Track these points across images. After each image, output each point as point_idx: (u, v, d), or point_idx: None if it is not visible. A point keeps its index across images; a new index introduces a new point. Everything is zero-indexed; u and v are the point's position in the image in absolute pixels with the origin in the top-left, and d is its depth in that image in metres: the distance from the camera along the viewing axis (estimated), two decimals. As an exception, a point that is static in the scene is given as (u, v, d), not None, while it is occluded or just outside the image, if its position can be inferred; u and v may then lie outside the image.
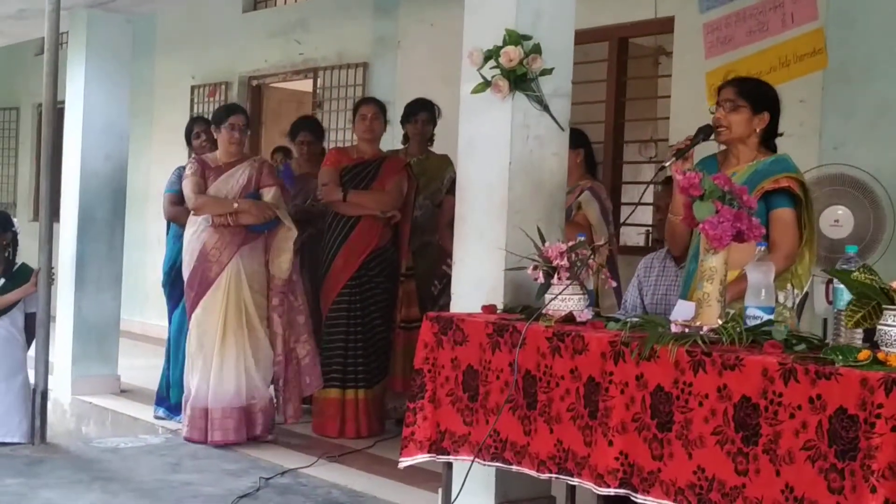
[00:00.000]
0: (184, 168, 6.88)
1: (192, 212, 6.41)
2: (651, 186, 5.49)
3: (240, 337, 6.31)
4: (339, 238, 6.69)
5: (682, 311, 3.73)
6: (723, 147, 4.30)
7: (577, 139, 5.79)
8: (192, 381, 6.30)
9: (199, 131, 7.22)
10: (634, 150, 8.12)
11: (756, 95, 4.23)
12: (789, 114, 5.94)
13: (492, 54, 4.61)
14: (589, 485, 3.64)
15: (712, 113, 4.25)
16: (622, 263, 6.24)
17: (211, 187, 6.35)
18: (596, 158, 6.57)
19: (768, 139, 4.28)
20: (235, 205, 6.33)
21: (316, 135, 7.57)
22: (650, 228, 7.67)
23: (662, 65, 8.02)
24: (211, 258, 6.31)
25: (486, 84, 4.65)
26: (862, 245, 5.32)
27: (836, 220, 5.37)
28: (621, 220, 7.01)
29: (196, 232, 6.38)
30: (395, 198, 6.71)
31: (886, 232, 5.32)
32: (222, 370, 6.26)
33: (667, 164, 4.11)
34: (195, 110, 11.11)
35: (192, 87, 11.51)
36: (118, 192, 8.14)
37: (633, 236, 8.18)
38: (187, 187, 6.37)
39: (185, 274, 6.41)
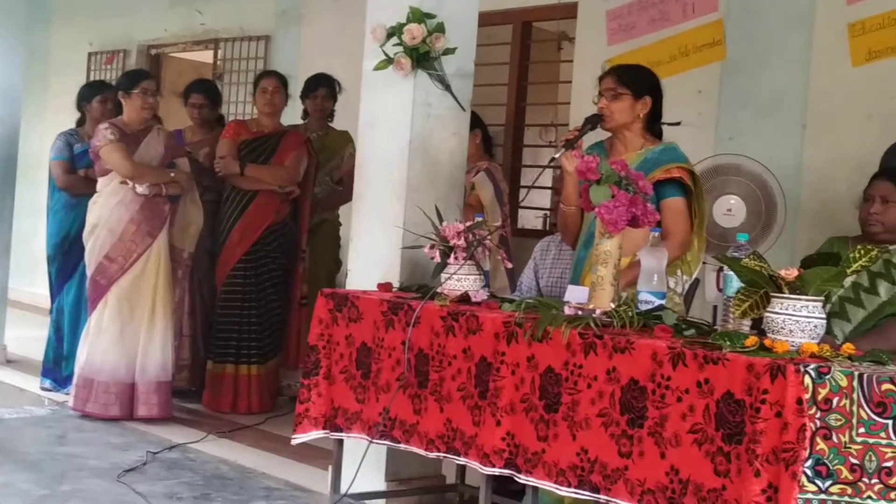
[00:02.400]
0: (70, 134, 6.73)
1: (109, 179, 6.20)
2: (549, 171, 5.53)
3: (168, 311, 6.23)
4: (236, 212, 6.63)
5: (575, 295, 3.76)
6: (609, 134, 4.36)
7: (474, 120, 5.82)
8: (108, 354, 6.13)
9: (104, 97, 7.04)
10: (535, 134, 8.16)
11: (636, 82, 4.29)
12: (687, 103, 6.08)
13: (395, 31, 4.59)
14: (475, 464, 3.65)
15: (595, 103, 4.30)
16: (522, 246, 6.28)
17: (133, 155, 6.19)
18: (495, 141, 6.61)
19: (652, 124, 4.33)
20: (171, 173, 6.22)
21: (211, 99, 7.24)
22: (548, 212, 7.72)
23: (565, 50, 8.05)
24: (143, 229, 6.17)
25: (389, 61, 4.63)
26: (753, 234, 5.42)
27: (729, 209, 5.45)
28: (519, 203, 7.06)
29: (122, 202, 6.17)
30: (294, 173, 6.66)
31: (778, 222, 5.41)
32: (150, 345, 6.16)
33: (556, 155, 4.15)
34: (92, 77, 10.87)
35: (90, 55, 11.27)
36: (9, 158, 7.91)
37: (531, 219, 8.22)
38: (117, 154, 6.12)
39: (101, 245, 6.21)
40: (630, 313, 3.44)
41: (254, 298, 6.63)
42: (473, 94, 4.89)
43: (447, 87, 4.69)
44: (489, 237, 4.08)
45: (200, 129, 7.14)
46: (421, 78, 4.64)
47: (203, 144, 6.96)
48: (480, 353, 3.70)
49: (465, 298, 3.99)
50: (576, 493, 3.36)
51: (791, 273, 3.08)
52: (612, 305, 3.52)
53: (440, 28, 4.58)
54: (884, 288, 3.83)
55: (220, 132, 6.92)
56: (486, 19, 5.38)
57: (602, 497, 3.27)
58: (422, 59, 4.58)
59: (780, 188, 5.44)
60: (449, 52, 4.62)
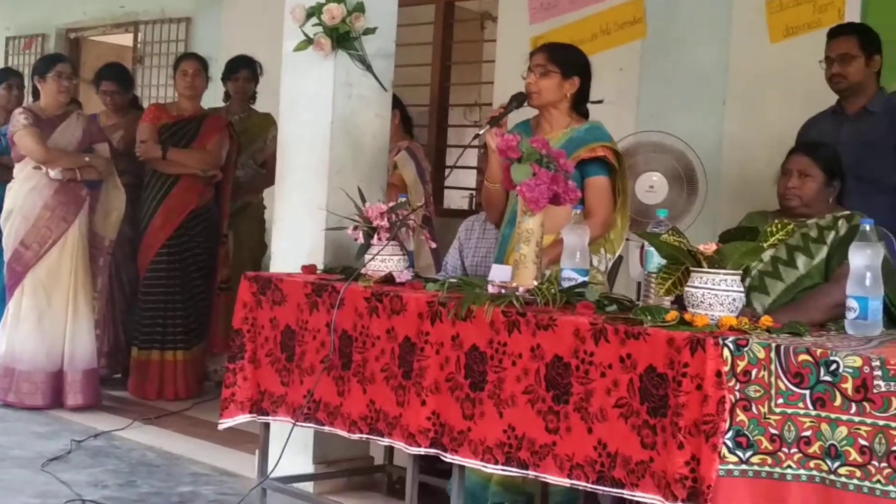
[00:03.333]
0: None
1: (24, 165, 6.10)
2: (474, 151, 5.53)
3: (90, 298, 6.14)
4: (158, 197, 6.57)
5: (498, 273, 3.76)
6: (536, 112, 4.36)
7: (393, 101, 5.81)
8: (27, 343, 6.03)
9: (8, 84, 6.91)
10: (459, 114, 8.16)
11: (566, 61, 4.30)
12: (609, 81, 6.10)
13: (314, 11, 4.55)
14: (400, 444, 3.65)
15: (524, 78, 4.30)
16: (447, 226, 6.28)
17: (48, 140, 6.09)
18: (419, 121, 6.61)
19: (579, 104, 4.34)
20: (87, 158, 6.12)
21: (121, 84, 7.09)
22: (473, 192, 7.73)
23: (488, 29, 8.06)
24: (57, 215, 6.06)
25: (309, 42, 4.60)
26: (676, 210, 5.46)
27: (652, 186, 5.49)
28: (444, 183, 7.05)
29: (35, 187, 6.08)
30: (216, 157, 6.60)
31: (699, 197, 5.46)
32: (76, 333, 6.07)
33: (481, 132, 4.15)
34: (10, 63, 10.68)
35: (7, 39, 11.07)
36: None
37: (456, 199, 8.23)
38: (31, 138, 6.02)
39: (16, 231, 6.10)
40: (553, 291, 3.45)
41: (178, 284, 6.58)
42: (397, 74, 4.87)
43: (368, 68, 4.67)
44: (412, 217, 4.07)
45: (115, 113, 7.02)
46: (342, 58, 4.62)
47: (117, 128, 6.85)
48: (404, 334, 3.69)
49: (389, 279, 3.98)
50: (504, 469, 3.37)
51: (710, 248, 3.11)
52: (536, 283, 3.53)
53: (360, 8, 4.55)
54: (802, 261, 3.87)
55: (134, 116, 6.88)
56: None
57: (531, 473, 3.28)
58: (342, 39, 4.55)
59: (702, 164, 5.49)
60: (369, 31, 4.60)
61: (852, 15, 5.43)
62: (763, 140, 5.58)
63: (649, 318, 3.09)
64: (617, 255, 4.39)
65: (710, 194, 5.48)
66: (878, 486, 2.63)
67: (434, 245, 4.61)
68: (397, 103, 5.88)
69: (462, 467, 3.60)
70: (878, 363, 2.65)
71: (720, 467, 2.81)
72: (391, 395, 3.72)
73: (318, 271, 4.35)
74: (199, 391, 6.62)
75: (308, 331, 4.02)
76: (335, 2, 4.50)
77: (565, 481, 3.19)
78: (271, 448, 4.25)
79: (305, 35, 4.60)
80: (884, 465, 2.63)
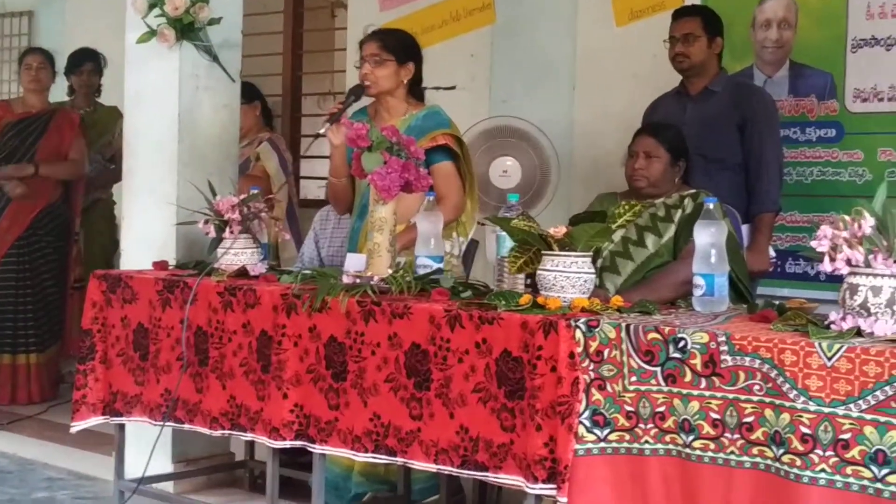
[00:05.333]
0: None
1: None
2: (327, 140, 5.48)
3: None
4: (5, 198, 6.37)
5: (353, 263, 3.75)
6: (372, 100, 4.37)
7: (253, 92, 5.76)
8: None
9: None
10: (313, 103, 8.09)
11: (399, 47, 4.32)
12: (461, 67, 6.14)
13: (157, 2, 4.46)
14: (263, 439, 3.61)
15: (357, 69, 4.30)
16: (305, 216, 6.23)
17: None
18: (274, 111, 6.55)
19: (415, 89, 4.36)
20: None
21: None
22: (330, 181, 7.67)
23: (339, 17, 8.01)
24: None
25: (152, 33, 4.51)
26: (530, 194, 5.52)
27: (505, 171, 5.53)
28: (300, 174, 7.00)
29: None
30: (83, 165, 6.51)
31: (552, 182, 5.53)
32: None
33: (322, 130, 4.13)
34: None
35: None
36: None
37: (313, 189, 8.17)
38: None
39: None
40: (408, 278, 3.45)
41: (29, 285, 6.40)
42: (248, 64, 4.83)
43: (215, 58, 4.60)
44: (264, 210, 4.03)
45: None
46: (187, 49, 4.54)
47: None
48: (260, 327, 3.65)
49: (243, 272, 3.93)
50: (373, 457, 3.37)
51: (560, 231, 3.15)
52: (390, 271, 3.52)
53: (204, -2, 4.48)
54: (651, 241, 3.94)
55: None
56: (256, -12, 5.30)
57: (399, 460, 3.30)
58: (186, 30, 4.48)
59: (554, 148, 5.55)
60: (214, 22, 4.53)
61: (695, -3, 5.55)
62: (612, 122, 5.66)
63: (503, 302, 3.12)
64: (469, 237, 4.42)
65: (562, 178, 5.55)
66: (733, 457, 2.71)
67: (288, 237, 4.58)
68: (258, 94, 5.87)
69: (322, 459, 3.59)
70: (724, 338, 2.71)
71: (580, 446, 2.85)
72: (251, 390, 3.68)
73: (170, 267, 4.27)
74: (54, 395, 6.44)
75: (162, 328, 3.95)
76: (178, -8, 4.41)
77: (432, 466, 3.22)
78: (128, 449, 4.16)
79: (148, 26, 4.51)
80: (736, 436, 2.70)
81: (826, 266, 2.68)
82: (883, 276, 2.63)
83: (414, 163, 3.61)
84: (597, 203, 4.14)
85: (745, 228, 4.58)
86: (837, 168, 5.19)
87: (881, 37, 5.03)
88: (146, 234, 4.62)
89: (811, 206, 5.16)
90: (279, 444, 3.57)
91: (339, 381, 3.42)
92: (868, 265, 2.64)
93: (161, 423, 3.95)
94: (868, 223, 2.64)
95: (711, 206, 3.23)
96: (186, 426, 3.90)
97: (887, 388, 2.47)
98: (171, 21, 4.45)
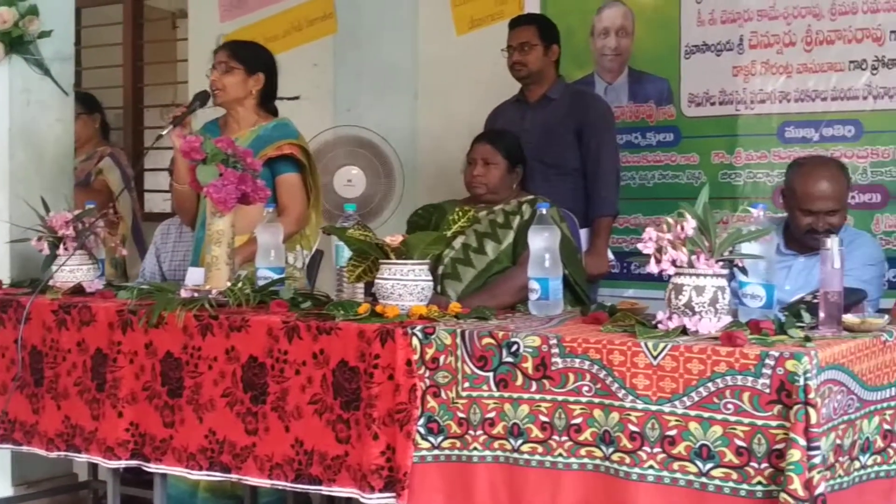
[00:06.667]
0: None
1: None
2: (170, 151, 5.39)
3: None
4: None
5: (193, 277, 3.72)
6: (224, 112, 4.33)
7: (93, 103, 5.66)
8: None
9: None
10: (156, 115, 7.96)
11: (249, 57, 4.29)
12: (304, 77, 6.11)
13: (-17, 17, 4.35)
14: (98, 459, 3.54)
15: (208, 76, 4.26)
16: (149, 230, 6.13)
17: None
18: (114, 124, 6.43)
19: (267, 102, 4.33)
20: None
21: None
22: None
23: (180, 28, 7.91)
24: None
25: (-20, 48, 4.39)
26: (375, 202, 5.54)
27: (350, 180, 5.54)
28: (144, 187, 6.89)
29: None
30: None
31: (397, 190, 5.56)
32: None
33: (164, 133, 4.07)
34: None
35: None
36: None
37: (158, 202, 8.04)
38: None
39: None
40: (246, 291, 3.43)
41: None
42: (88, 77, 4.73)
43: (46, 72, 4.51)
44: (99, 225, 3.96)
45: None
46: (17, 63, 4.44)
47: None
48: (96, 345, 3.57)
49: (79, 289, 3.85)
50: (208, 475, 3.32)
51: (396, 239, 3.16)
52: (229, 284, 3.49)
53: (33, 10, 4.39)
54: (490, 247, 3.98)
55: None
56: (96, -1, 5.21)
57: (234, 476, 3.26)
58: (15, 43, 4.38)
59: (398, 157, 5.58)
60: (45, 34, 4.44)
61: (532, 6, 5.63)
62: (455, 130, 5.70)
63: (342, 312, 3.12)
64: (314, 249, 4.40)
65: (407, 186, 5.58)
66: (560, 459, 2.75)
67: (125, 252, 4.50)
68: (98, 106, 5.74)
69: (164, 477, 3.54)
70: (555, 341, 2.76)
71: (415, 454, 2.87)
72: (86, 410, 3.59)
73: (3, 286, 4.16)
74: None
75: (-5, 349, 3.84)
76: (5, 5, 4.31)
77: (266, 482, 3.18)
78: (-37, 475, 4.05)
79: (-24, 41, 4.40)
80: (564, 438, 2.74)
81: (652, 267, 2.75)
82: (706, 275, 2.70)
83: (251, 174, 3.58)
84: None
85: (584, 232, 4.67)
86: (676, 171, 5.33)
87: (711, 43, 5.19)
88: (-21, 253, 4.49)
89: (653, 209, 5.28)
90: (114, 464, 3.49)
91: (174, 398, 3.37)
92: (692, 265, 2.71)
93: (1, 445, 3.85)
94: (690, 225, 2.72)
95: (544, 211, 3.28)
96: (25, 448, 3.80)
97: (710, 384, 2.55)
98: (0, 35, 4.34)
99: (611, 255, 4.79)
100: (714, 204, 4.55)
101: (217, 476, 3.31)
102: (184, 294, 3.48)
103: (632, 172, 5.36)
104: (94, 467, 4.56)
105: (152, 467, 3.45)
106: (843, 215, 3.82)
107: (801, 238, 3.80)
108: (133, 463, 3.47)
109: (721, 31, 5.16)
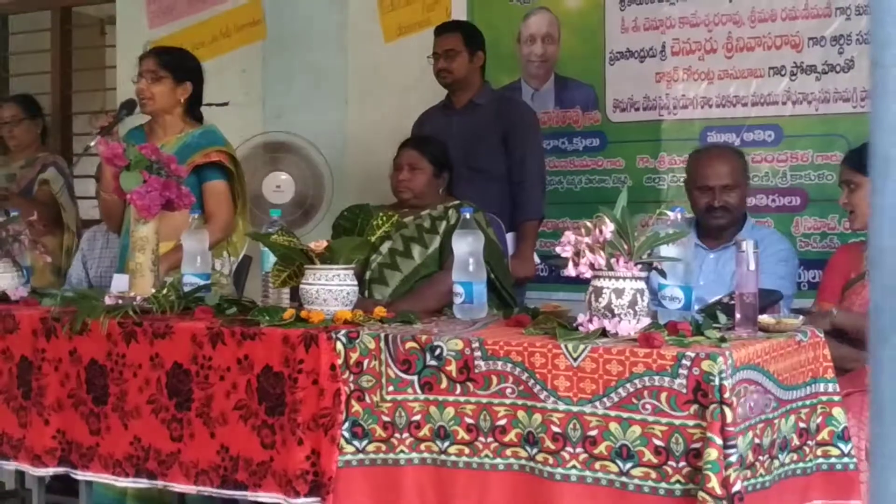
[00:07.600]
0: None
1: None
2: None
3: None
4: None
5: (118, 284, 3.70)
6: (149, 118, 4.32)
7: (36, 109, 5.64)
8: None
9: None
10: (85, 122, 7.90)
11: (176, 65, 4.29)
12: (233, 83, 6.10)
13: None
14: (26, 467, 3.52)
15: (135, 83, 4.25)
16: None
17: None
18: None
19: (193, 108, 4.33)
20: None
21: None
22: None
23: (109, 34, 7.85)
24: None
25: None
26: (304, 208, 5.54)
27: (279, 186, 5.54)
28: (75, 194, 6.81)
29: None
30: None
31: (326, 195, 5.56)
32: None
33: (91, 143, 4.05)
34: None
35: None
36: None
37: (87, 210, 7.97)
38: None
39: None
40: (171, 297, 3.42)
41: None
42: (16, 84, 4.69)
43: (-29, 79, 4.47)
44: (23, 232, 3.93)
45: None
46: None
47: None
48: (20, 353, 3.55)
49: (3, 297, 3.82)
50: (134, 482, 3.32)
51: (320, 245, 3.18)
52: (154, 291, 3.49)
53: (-43, 17, 4.35)
54: (417, 251, 4.01)
55: None
56: (23, 6, 5.16)
57: (159, 483, 3.25)
58: (-64, 50, 4.33)
59: (327, 163, 5.59)
60: (-31, 41, 4.40)
61: (459, 13, 5.67)
62: (383, 137, 5.70)
63: (267, 317, 3.13)
64: (241, 256, 4.41)
65: (336, 191, 5.58)
66: (487, 460, 2.78)
67: (49, 259, 4.47)
68: (40, 112, 5.74)
69: (90, 484, 3.53)
70: (477, 344, 2.79)
71: (340, 458, 2.88)
72: (13, 418, 3.57)
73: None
74: None
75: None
76: (-73, 11, 4.27)
77: (192, 488, 3.18)
78: None
79: None
80: (490, 439, 2.77)
81: (570, 271, 2.79)
82: (625, 278, 2.75)
83: (175, 181, 3.58)
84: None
85: (510, 236, 4.72)
86: (602, 175, 5.39)
87: (635, 49, 5.26)
88: None
89: (580, 213, 5.29)
90: (42, 472, 3.48)
91: (99, 405, 3.36)
92: (611, 268, 2.76)
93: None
94: (609, 228, 2.76)
95: (468, 215, 3.31)
96: (-50, 458, 3.76)
97: (628, 385, 2.59)
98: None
99: (537, 259, 4.85)
100: (639, 207, 4.70)
101: (143, 483, 3.30)
102: (108, 301, 3.46)
103: (559, 177, 5.41)
104: (21, 476, 4.53)
105: (79, 475, 3.43)
106: (740, 196, 3.92)
107: (701, 219, 3.89)
108: (61, 470, 3.45)
109: (644, 37, 5.24)
